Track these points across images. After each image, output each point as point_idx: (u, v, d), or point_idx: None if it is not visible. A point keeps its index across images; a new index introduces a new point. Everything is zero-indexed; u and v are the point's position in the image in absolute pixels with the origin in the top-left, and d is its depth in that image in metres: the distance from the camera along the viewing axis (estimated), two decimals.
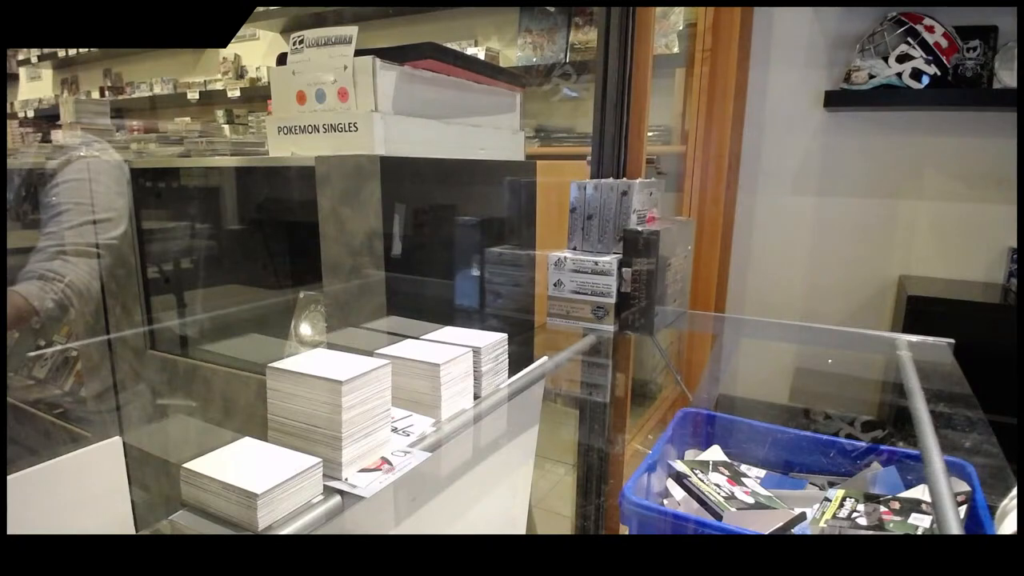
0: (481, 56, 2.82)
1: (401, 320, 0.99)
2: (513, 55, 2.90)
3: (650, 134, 2.19)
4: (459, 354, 0.68)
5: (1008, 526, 0.53)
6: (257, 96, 3.59)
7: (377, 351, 0.68)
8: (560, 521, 1.73)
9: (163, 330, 1.36)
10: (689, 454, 1.11)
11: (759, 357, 2.13)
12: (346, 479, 0.54)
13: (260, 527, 0.47)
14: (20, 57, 4.77)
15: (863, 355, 1.36)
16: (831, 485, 1.00)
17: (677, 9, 2.44)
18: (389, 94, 1.02)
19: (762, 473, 1.06)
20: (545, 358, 0.89)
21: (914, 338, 1.08)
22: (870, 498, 0.88)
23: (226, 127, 3.59)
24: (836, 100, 2.10)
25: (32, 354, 1.62)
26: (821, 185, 2.28)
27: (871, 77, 1.96)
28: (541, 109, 2.80)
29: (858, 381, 1.92)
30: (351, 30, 1.00)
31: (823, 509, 0.89)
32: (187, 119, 3.50)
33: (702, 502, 0.91)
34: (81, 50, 4.38)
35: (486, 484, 0.82)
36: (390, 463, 0.57)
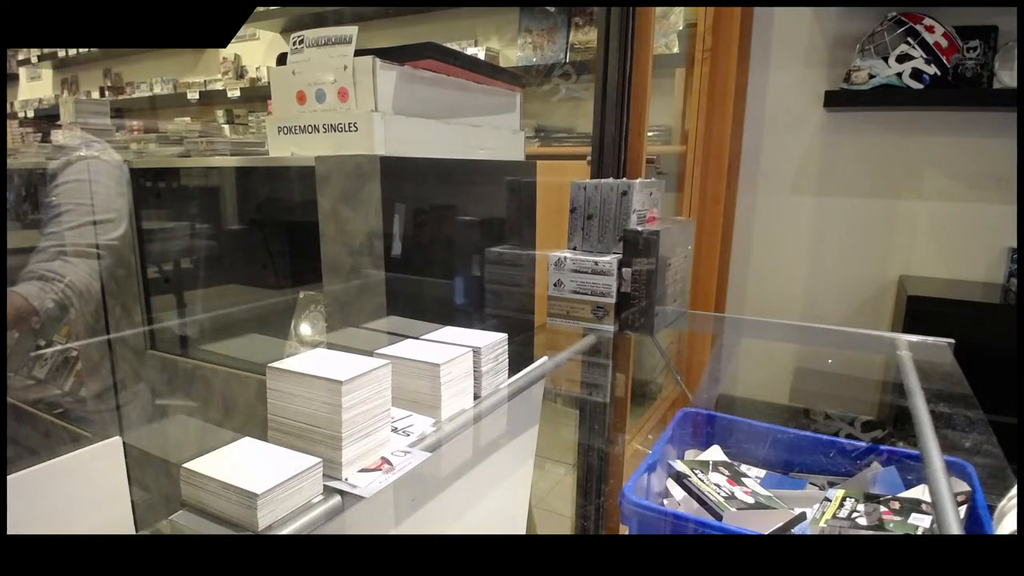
0: (481, 56, 2.82)
1: (401, 320, 0.99)
2: (513, 55, 2.90)
3: (650, 134, 2.19)
4: (459, 354, 0.68)
5: (1007, 526, 0.53)
6: (257, 96, 3.59)
7: (377, 351, 0.68)
8: (560, 521, 1.73)
9: (163, 330, 1.36)
10: (689, 454, 1.11)
11: (759, 357, 2.13)
12: (346, 479, 0.54)
13: (260, 527, 0.47)
14: (20, 57, 4.77)
15: (863, 355, 1.36)
16: (831, 485, 1.00)
17: (677, 9, 2.44)
18: (389, 94, 1.02)
19: (762, 473, 1.06)
20: (545, 358, 0.89)
21: (914, 338, 1.08)
22: (870, 498, 0.88)
23: (226, 127, 3.59)
24: (836, 100, 2.10)
25: (32, 354, 1.62)
26: (821, 185, 2.28)
27: (871, 77, 1.96)
28: (541, 109, 2.80)
29: (858, 381, 1.92)
30: (351, 30, 1.00)
31: (823, 509, 0.89)
32: (187, 119, 3.50)
33: (702, 502, 0.91)
34: (81, 50, 4.39)
35: (486, 484, 0.82)
36: (390, 463, 0.57)
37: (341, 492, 0.52)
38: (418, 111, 1.08)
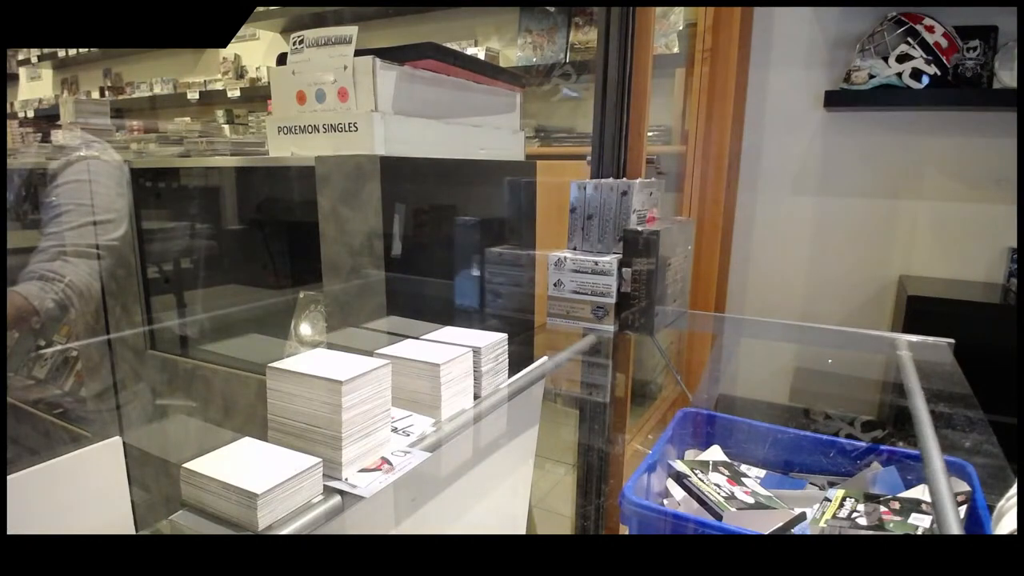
0: (481, 56, 2.82)
1: (401, 320, 0.99)
2: (513, 55, 2.90)
3: (650, 134, 2.19)
4: (459, 354, 0.68)
5: (1005, 526, 0.53)
6: (257, 96, 3.59)
7: (377, 351, 0.68)
8: (560, 521, 1.73)
9: (163, 330, 1.36)
10: (689, 454, 1.11)
11: (759, 357, 2.13)
12: (346, 479, 0.54)
13: (260, 527, 0.47)
14: (20, 57, 4.77)
15: (863, 355, 1.36)
16: (831, 485, 1.00)
17: (677, 9, 2.44)
18: (389, 94, 1.02)
19: (762, 473, 1.06)
20: (545, 358, 0.89)
21: (914, 338, 1.08)
22: (870, 498, 0.88)
23: (226, 127, 3.59)
24: (836, 100, 2.10)
25: (32, 354, 1.62)
26: (821, 185, 2.28)
27: (871, 77, 1.96)
28: (541, 109, 2.80)
29: (858, 381, 1.92)
30: (351, 30, 1.00)
31: (823, 509, 0.89)
32: (187, 119, 3.50)
33: (702, 502, 0.91)
34: (81, 50, 4.39)
35: (486, 484, 0.82)
36: (390, 463, 0.57)
37: (341, 492, 0.52)
38: (418, 111, 1.08)
